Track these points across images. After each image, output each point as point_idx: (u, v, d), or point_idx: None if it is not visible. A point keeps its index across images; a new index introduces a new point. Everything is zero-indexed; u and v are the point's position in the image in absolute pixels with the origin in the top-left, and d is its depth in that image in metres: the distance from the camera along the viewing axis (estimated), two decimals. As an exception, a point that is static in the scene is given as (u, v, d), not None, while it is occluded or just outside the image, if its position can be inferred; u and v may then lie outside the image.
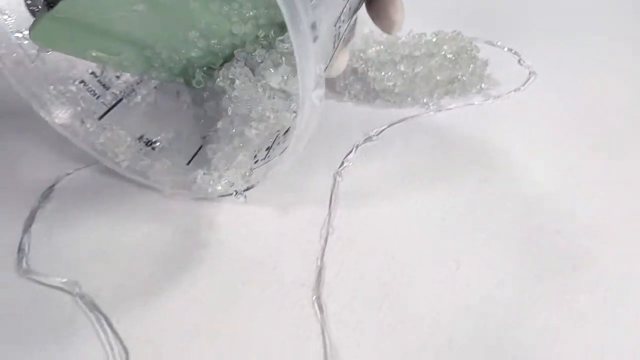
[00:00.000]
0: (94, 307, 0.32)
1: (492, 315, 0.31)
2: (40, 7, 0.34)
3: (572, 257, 0.34)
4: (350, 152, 0.43)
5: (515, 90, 0.51)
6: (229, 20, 0.36)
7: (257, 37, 0.38)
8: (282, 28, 0.37)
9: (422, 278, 0.33)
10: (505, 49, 0.58)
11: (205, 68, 0.40)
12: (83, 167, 0.42)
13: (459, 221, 0.37)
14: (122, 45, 0.36)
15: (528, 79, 0.53)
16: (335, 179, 0.41)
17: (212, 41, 0.37)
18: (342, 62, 0.39)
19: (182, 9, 0.35)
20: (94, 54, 0.37)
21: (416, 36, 0.53)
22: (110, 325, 0.31)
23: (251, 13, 0.36)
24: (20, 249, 0.35)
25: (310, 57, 0.25)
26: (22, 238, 0.36)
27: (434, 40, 0.52)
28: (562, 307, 0.31)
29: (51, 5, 0.32)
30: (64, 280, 0.33)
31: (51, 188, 0.40)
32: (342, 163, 0.42)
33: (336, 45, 0.33)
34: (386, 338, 0.30)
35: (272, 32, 0.38)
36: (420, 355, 0.29)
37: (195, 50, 0.38)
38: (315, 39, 0.25)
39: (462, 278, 0.33)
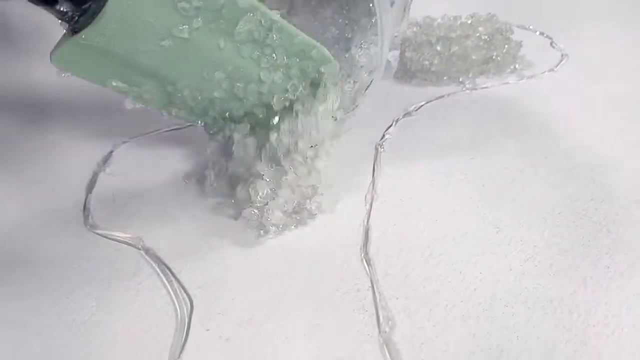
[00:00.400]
0: (157, 259, 0.34)
1: (532, 274, 0.33)
2: (65, 30, 0.33)
3: (607, 222, 0.36)
4: (391, 125, 0.45)
5: (549, 71, 0.53)
6: (258, 65, 0.35)
7: (287, 90, 0.37)
8: (313, 84, 0.37)
9: (465, 239, 0.35)
10: (537, 33, 0.59)
11: (226, 114, 0.39)
12: (138, 136, 0.44)
13: (498, 189, 0.39)
14: (144, 78, 0.35)
15: (561, 61, 0.54)
16: (377, 150, 0.43)
17: (238, 84, 0.36)
18: (404, 26, 0.40)
19: (211, 49, 0.34)
20: (114, 84, 0.35)
21: (451, 18, 0.55)
22: (174, 275, 0.33)
23: (284, 61, 0.35)
24: (85, 207, 0.38)
25: (389, 21, 0.27)
26: (86, 197, 0.38)
27: (469, 22, 0.54)
28: (599, 265, 0.33)
29: (76, 30, 0.32)
30: (128, 235, 0.36)
31: (110, 154, 0.42)
32: (383, 136, 0.44)
33: (406, 9, 0.35)
34: (432, 291, 0.32)
35: (301, 87, 0.37)
36: (466, 306, 0.31)
37: (219, 91, 0.37)
38: (392, 4, 0.27)
39: (503, 240, 0.35)
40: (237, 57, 0.35)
